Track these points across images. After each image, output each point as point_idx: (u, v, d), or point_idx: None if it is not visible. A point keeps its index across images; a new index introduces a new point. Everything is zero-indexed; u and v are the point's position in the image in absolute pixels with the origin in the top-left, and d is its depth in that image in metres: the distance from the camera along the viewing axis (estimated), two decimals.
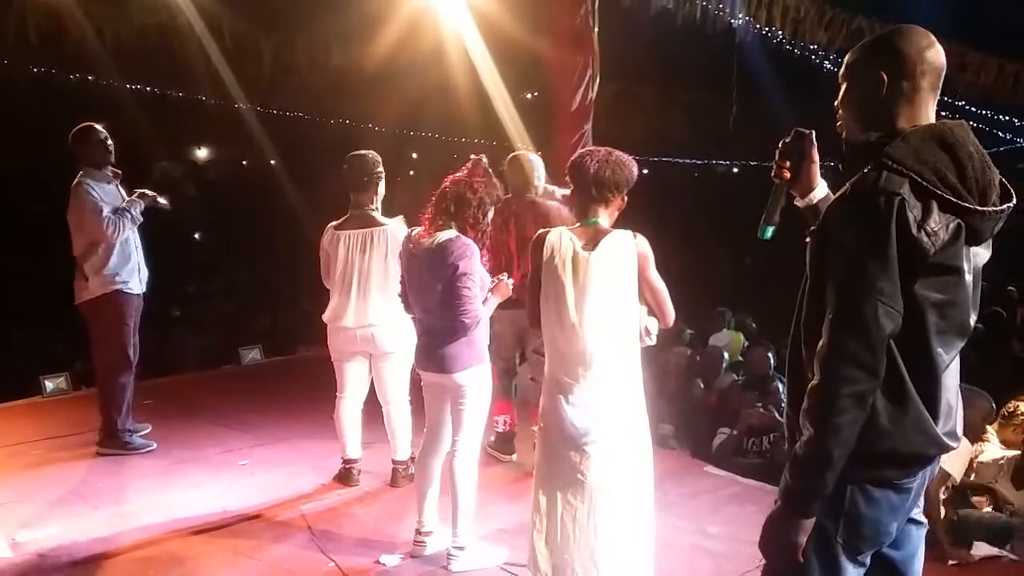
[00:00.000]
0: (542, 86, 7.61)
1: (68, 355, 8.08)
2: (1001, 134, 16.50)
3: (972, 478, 4.67)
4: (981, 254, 1.97)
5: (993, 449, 4.92)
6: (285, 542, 4.07)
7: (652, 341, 3.28)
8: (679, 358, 7.41)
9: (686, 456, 5.77)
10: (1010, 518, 4.43)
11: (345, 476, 4.73)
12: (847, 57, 2.08)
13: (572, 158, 3.24)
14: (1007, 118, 15.34)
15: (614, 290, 3.08)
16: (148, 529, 4.17)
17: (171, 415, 5.83)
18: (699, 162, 19.23)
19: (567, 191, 4.91)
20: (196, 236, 17.37)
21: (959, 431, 2.03)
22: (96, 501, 4.53)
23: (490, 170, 3.68)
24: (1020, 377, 7.04)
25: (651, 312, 3.23)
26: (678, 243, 11.43)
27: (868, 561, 2.06)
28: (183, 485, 4.76)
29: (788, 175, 2.24)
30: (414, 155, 18.46)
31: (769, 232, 2.28)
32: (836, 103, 2.11)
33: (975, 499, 4.59)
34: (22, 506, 4.44)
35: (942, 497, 4.22)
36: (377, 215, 4.49)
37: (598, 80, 6.89)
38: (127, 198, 5.17)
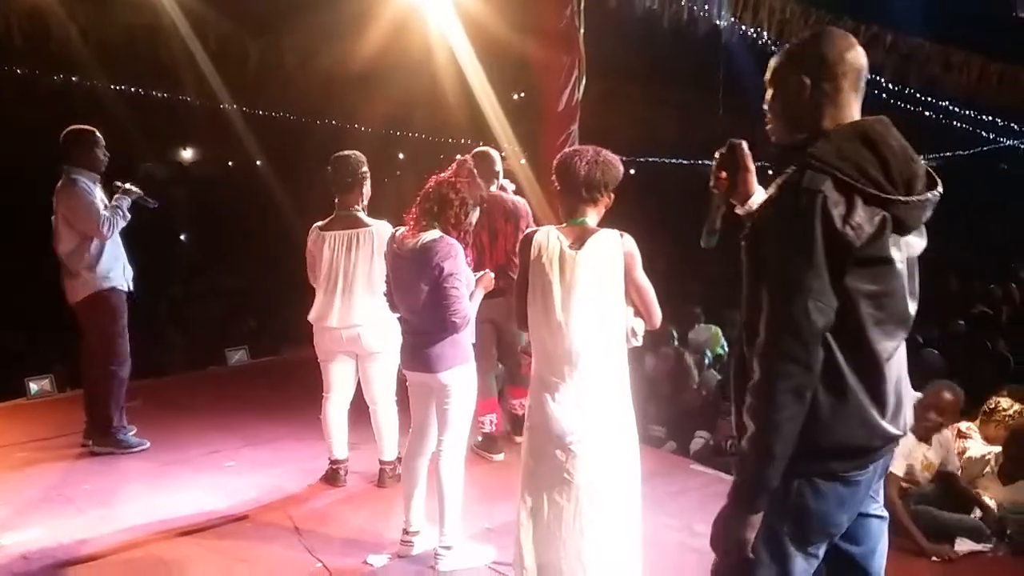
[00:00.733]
0: (529, 86, 7.63)
1: (52, 357, 8.03)
2: (984, 134, 16.61)
3: (960, 474, 4.71)
4: (915, 244, 2.01)
5: (977, 446, 4.97)
6: (272, 543, 4.06)
7: (638, 342, 3.29)
8: (664, 359, 7.42)
9: (673, 454, 5.79)
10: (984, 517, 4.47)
11: (332, 477, 4.72)
12: (771, 62, 2.13)
13: (559, 158, 3.23)
14: (990, 118, 15.44)
15: (601, 289, 3.09)
16: (134, 531, 4.15)
17: (157, 416, 5.81)
18: (686, 162, 19.28)
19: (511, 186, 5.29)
20: (182, 237, 17.29)
21: (907, 422, 2.06)
22: (81, 503, 4.51)
23: (474, 171, 3.69)
24: (1006, 375, 7.10)
25: (637, 313, 3.24)
26: (665, 242, 11.44)
27: (820, 553, 2.10)
28: (169, 487, 4.74)
29: (726, 185, 2.36)
30: (401, 156, 18.43)
31: (714, 240, 2.40)
32: (764, 107, 2.16)
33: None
34: (6, 508, 4.42)
35: (898, 497, 4.26)
36: (362, 216, 4.49)
37: (584, 80, 6.91)
38: (107, 202, 5.13)
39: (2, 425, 5.84)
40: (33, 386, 6.53)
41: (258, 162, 16.64)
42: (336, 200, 4.51)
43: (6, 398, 6.53)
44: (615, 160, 3.21)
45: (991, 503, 4.54)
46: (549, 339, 3.13)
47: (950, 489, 4.54)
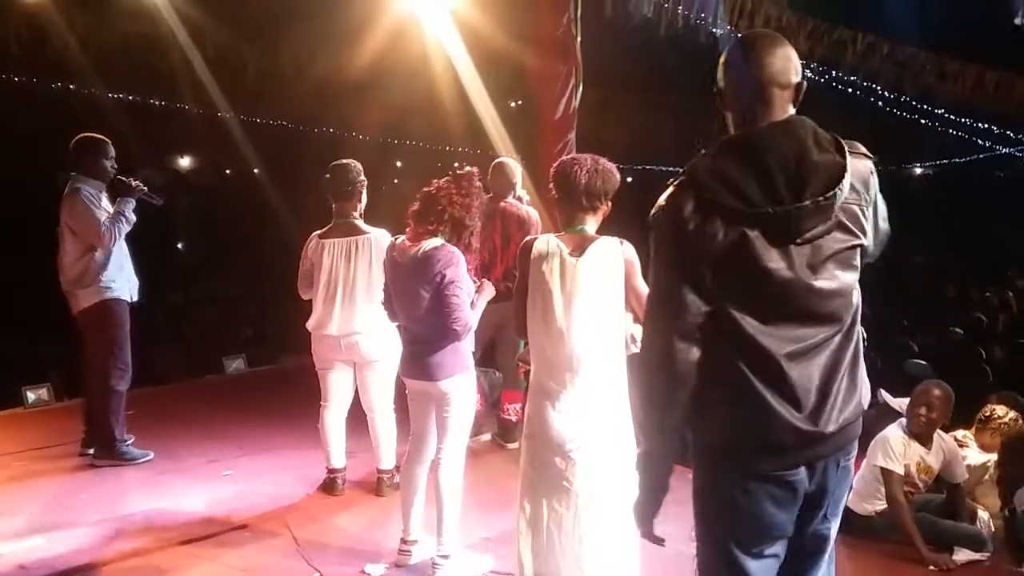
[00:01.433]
0: (526, 94, 7.64)
1: (50, 366, 8.01)
2: (980, 141, 16.66)
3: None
4: (825, 246, 1.99)
5: (974, 454, 4.97)
6: (270, 552, 4.04)
7: (637, 348, 3.29)
8: None
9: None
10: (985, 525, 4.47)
11: (330, 485, 4.71)
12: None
13: (557, 166, 3.24)
14: (986, 125, 15.48)
15: (601, 296, 3.10)
16: (131, 540, 4.13)
17: (154, 426, 5.78)
18: (682, 169, 19.33)
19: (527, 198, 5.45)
20: (179, 245, 17.28)
21: (837, 419, 2.03)
22: (79, 512, 4.49)
23: (478, 184, 3.68)
24: (1000, 382, 7.10)
25: (636, 319, 3.24)
26: None
27: (776, 552, 2.14)
28: (166, 496, 4.72)
29: None
30: (398, 163, 18.46)
31: None
32: None
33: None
34: (3, 518, 4.39)
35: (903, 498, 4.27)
36: (361, 223, 4.50)
37: (581, 88, 6.93)
38: (111, 209, 5.11)
39: None
40: (30, 395, 6.50)
41: (255, 170, 16.67)
42: (334, 208, 4.52)
43: (3, 407, 6.50)
44: (613, 168, 3.23)
45: (985, 515, 4.54)
46: (550, 346, 3.13)
47: (954, 500, 4.52)
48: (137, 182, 5.16)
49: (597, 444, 3.12)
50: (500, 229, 5.16)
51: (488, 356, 5.44)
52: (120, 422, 5.21)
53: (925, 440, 4.44)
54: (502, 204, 5.23)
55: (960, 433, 5.05)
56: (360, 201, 4.53)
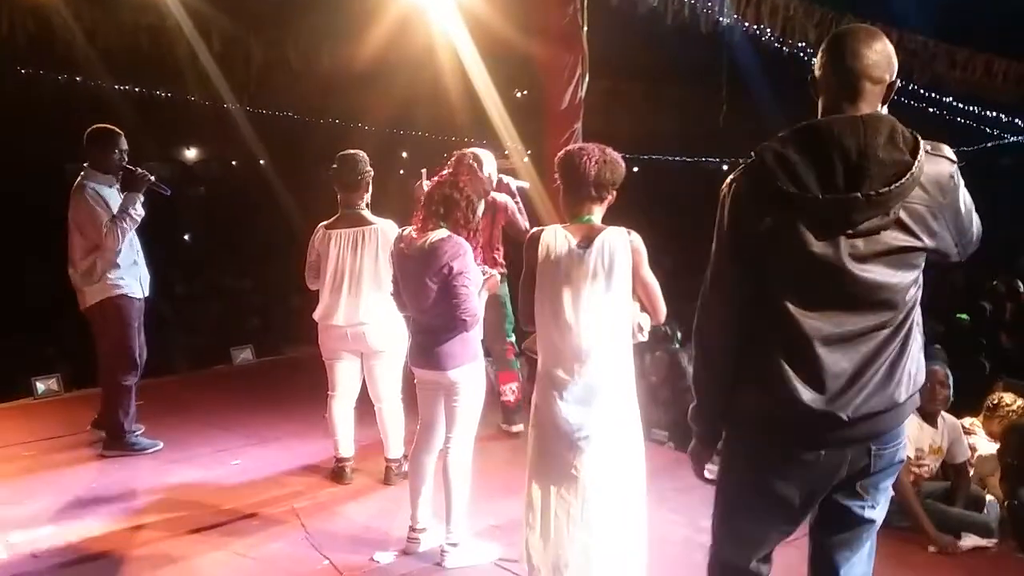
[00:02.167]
0: (532, 85, 7.62)
1: (59, 357, 8.05)
2: (988, 130, 16.56)
3: (971, 471, 4.70)
4: (882, 240, 1.99)
5: (983, 443, 4.96)
6: (279, 540, 4.08)
7: (644, 337, 3.30)
8: (659, 363, 7.37)
9: (679, 451, 5.78)
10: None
11: (338, 474, 4.74)
12: None
13: (563, 156, 3.23)
14: (994, 114, 15.39)
15: (609, 287, 3.10)
16: (141, 529, 4.18)
17: (163, 416, 5.82)
18: (689, 159, 19.27)
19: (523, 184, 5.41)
20: (186, 237, 17.30)
21: (860, 407, 2.04)
22: (89, 501, 4.53)
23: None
24: (1007, 370, 7.08)
25: (643, 308, 3.25)
26: (670, 240, 11.43)
27: (781, 528, 2.28)
28: (176, 485, 4.75)
29: None
30: (404, 154, 18.44)
31: None
32: None
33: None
34: (15, 507, 4.44)
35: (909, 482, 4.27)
36: (367, 214, 4.50)
37: (587, 78, 6.91)
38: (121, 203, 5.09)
39: (10, 424, 5.85)
40: (40, 386, 6.54)
41: (261, 161, 16.66)
42: (340, 198, 4.53)
43: (13, 398, 6.53)
44: (618, 158, 3.22)
45: (994, 502, 4.53)
46: (559, 337, 3.14)
47: (957, 481, 4.52)
48: (144, 172, 5.15)
49: (605, 433, 3.13)
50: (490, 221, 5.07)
51: None
52: (129, 415, 5.23)
53: (933, 420, 4.44)
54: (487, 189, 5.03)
55: (968, 421, 5.05)
56: (367, 192, 4.52)
